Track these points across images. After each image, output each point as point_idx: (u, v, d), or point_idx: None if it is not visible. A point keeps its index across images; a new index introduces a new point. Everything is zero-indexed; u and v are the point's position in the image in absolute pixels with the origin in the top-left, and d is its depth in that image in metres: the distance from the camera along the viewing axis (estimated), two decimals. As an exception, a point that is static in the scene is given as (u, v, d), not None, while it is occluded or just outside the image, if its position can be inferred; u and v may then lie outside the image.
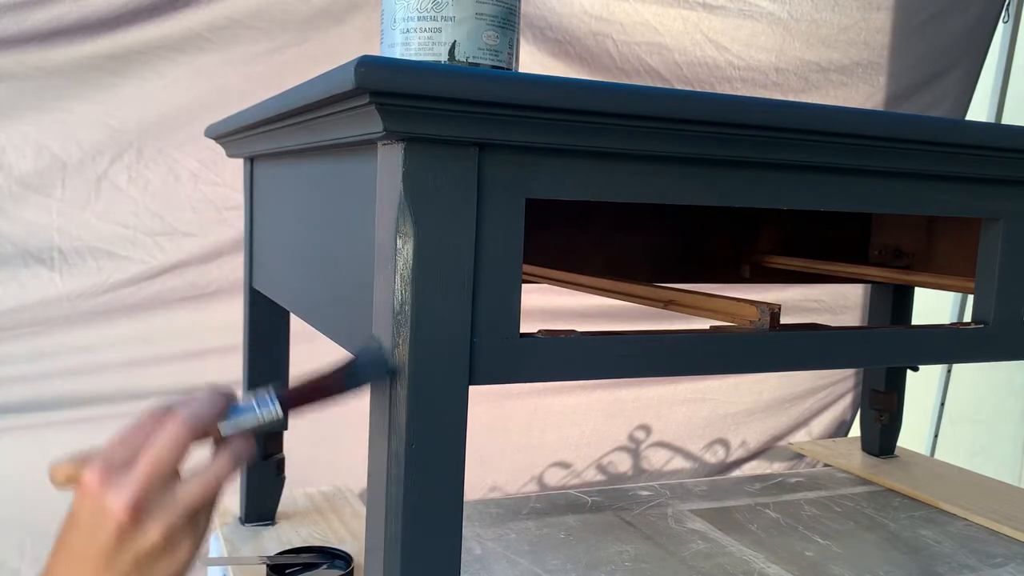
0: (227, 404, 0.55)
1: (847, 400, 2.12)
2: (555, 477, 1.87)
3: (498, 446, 1.78)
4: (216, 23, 1.43)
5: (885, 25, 1.99)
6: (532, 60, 1.63)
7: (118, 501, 0.50)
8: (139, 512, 0.51)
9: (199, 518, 0.54)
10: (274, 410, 0.56)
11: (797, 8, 1.88)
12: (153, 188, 1.43)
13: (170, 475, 0.52)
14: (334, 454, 1.60)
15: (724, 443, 2.04)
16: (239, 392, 0.61)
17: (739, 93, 1.85)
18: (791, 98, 1.91)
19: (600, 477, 1.92)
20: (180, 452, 0.52)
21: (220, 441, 0.56)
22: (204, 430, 0.54)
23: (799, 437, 2.10)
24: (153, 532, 0.51)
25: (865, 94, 1.99)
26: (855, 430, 2.07)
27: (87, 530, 0.51)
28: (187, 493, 0.53)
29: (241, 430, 0.56)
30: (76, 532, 0.52)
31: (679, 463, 2.00)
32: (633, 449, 1.94)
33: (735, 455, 2.05)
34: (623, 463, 1.93)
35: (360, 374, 0.58)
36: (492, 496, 1.77)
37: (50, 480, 0.53)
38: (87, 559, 0.51)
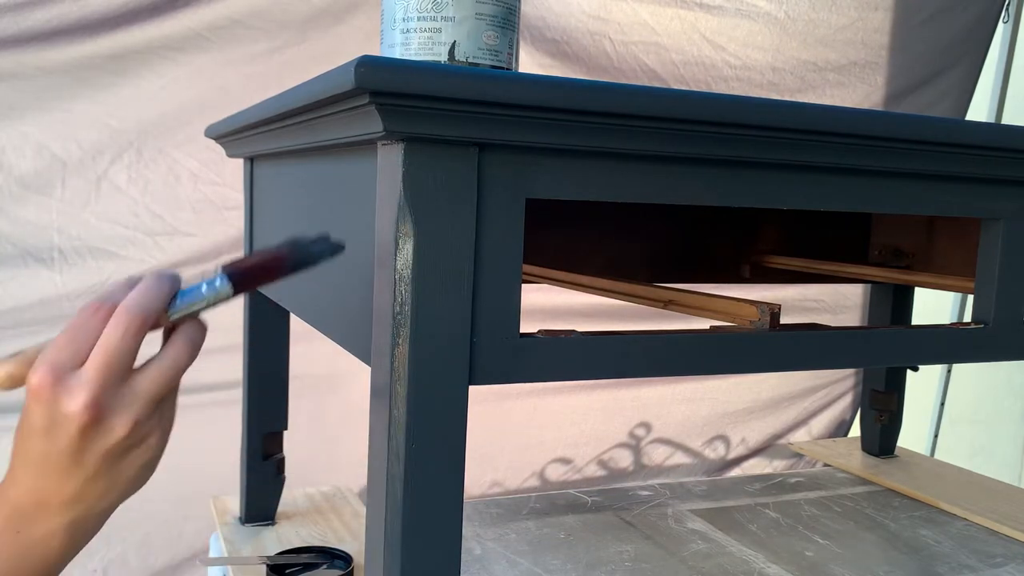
0: (173, 288, 0.53)
1: (847, 400, 2.13)
2: (556, 472, 1.88)
3: (498, 445, 1.78)
4: (216, 23, 1.43)
5: (883, 25, 1.99)
6: (530, 60, 1.63)
7: (75, 403, 0.49)
8: (100, 410, 0.49)
9: (164, 407, 0.53)
10: (223, 287, 0.54)
11: (794, 8, 1.89)
12: (153, 188, 1.43)
13: (126, 369, 0.50)
14: (334, 454, 1.60)
15: (724, 439, 2.04)
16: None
17: (736, 92, 1.86)
18: (788, 98, 1.91)
19: (601, 472, 1.93)
20: (133, 344, 0.50)
21: (172, 328, 0.53)
22: (153, 318, 0.52)
23: (799, 436, 2.10)
24: (118, 428, 0.50)
25: (863, 93, 2.00)
26: (855, 430, 2.07)
27: (45, 435, 0.50)
28: (147, 384, 0.51)
29: (191, 312, 0.54)
30: (33, 438, 0.50)
31: (680, 459, 2.00)
32: (633, 446, 1.95)
33: (735, 452, 2.05)
34: (624, 459, 1.94)
35: (307, 250, 0.58)
36: (493, 491, 1.78)
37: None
38: (50, 463, 0.50)
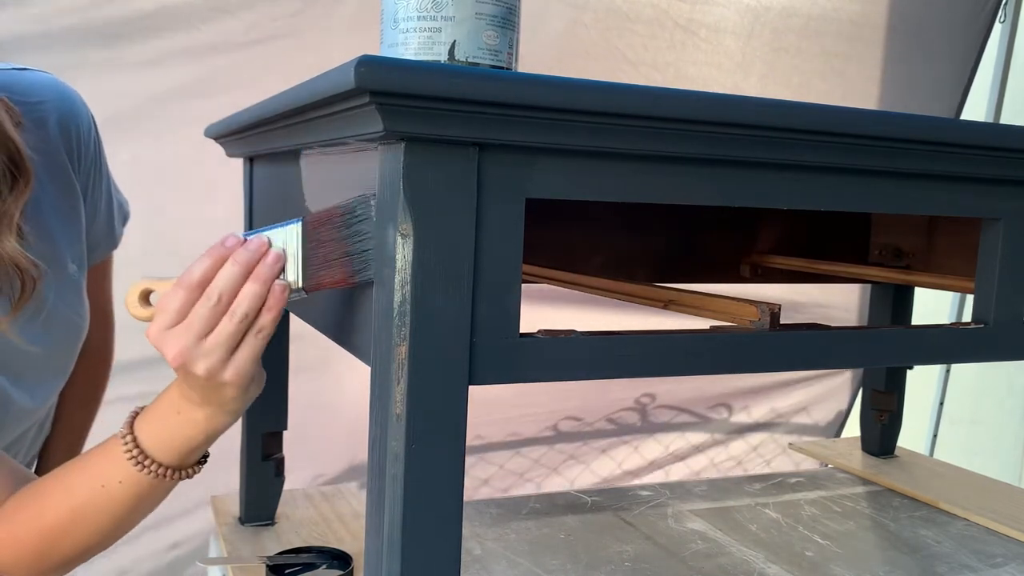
0: (274, 270, 0.65)
1: (846, 389, 2.14)
2: (569, 425, 1.91)
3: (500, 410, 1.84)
4: (204, 12, 1.43)
5: (860, 17, 2.00)
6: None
7: (199, 369, 0.65)
8: (212, 374, 0.66)
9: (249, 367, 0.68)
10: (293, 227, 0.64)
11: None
12: (143, 178, 1.43)
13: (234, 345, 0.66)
14: (333, 453, 1.60)
15: (728, 407, 2.07)
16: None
17: (706, 78, 1.88)
18: (758, 83, 1.93)
19: (610, 427, 1.95)
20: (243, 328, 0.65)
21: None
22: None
23: (798, 419, 2.11)
24: (227, 383, 0.68)
25: (839, 84, 2.01)
26: (855, 430, 2.08)
27: (183, 379, 0.69)
28: (249, 353, 0.67)
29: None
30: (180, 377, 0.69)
31: (686, 418, 2.03)
32: (640, 409, 1.97)
33: (738, 417, 2.07)
34: (631, 418, 1.97)
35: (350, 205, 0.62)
36: (511, 439, 1.86)
37: (127, 300, 0.67)
38: (188, 390, 0.70)
